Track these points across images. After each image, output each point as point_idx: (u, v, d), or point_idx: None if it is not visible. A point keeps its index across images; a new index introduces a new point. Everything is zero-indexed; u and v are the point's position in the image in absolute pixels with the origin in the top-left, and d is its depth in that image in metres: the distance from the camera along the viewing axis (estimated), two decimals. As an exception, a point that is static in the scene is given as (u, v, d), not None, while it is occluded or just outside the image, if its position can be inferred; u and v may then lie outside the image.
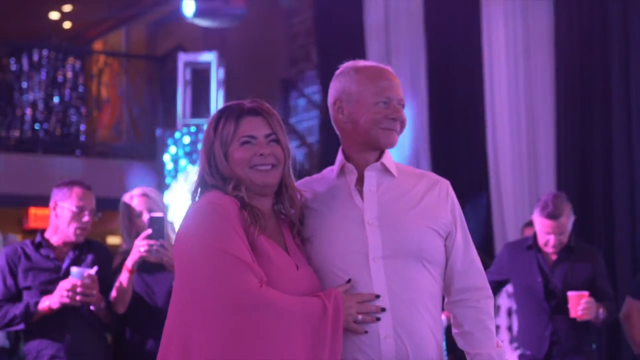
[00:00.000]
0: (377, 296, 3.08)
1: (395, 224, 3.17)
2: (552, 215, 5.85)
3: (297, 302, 2.94)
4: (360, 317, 3.04)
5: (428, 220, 3.19)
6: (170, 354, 2.96)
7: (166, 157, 10.48)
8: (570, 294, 5.74)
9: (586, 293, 5.73)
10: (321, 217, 3.24)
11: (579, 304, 5.67)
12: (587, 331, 6.00)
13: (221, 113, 3.17)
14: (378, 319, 3.06)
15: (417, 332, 3.11)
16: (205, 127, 3.23)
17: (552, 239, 5.87)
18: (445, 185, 3.29)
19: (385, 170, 3.27)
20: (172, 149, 10.46)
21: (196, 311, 2.89)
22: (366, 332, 3.06)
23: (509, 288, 6.92)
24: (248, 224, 3.01)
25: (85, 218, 5.14)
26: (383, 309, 3.07)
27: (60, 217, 5.14)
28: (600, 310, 5.77)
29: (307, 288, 3.04)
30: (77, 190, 5.16)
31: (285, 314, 2.89)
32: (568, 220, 5.91)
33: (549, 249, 5.94)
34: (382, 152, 3.28)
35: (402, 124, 3.26)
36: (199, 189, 3.15)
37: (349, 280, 3.11)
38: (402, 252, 3.14)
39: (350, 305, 3.03)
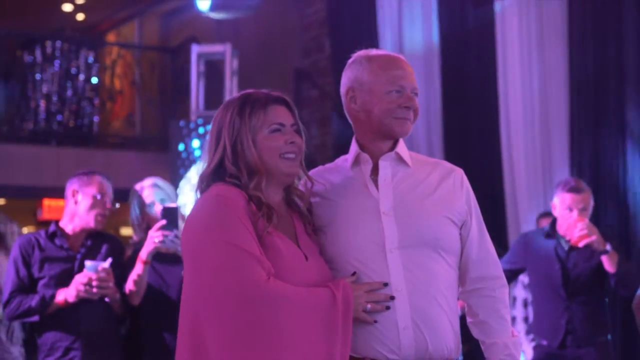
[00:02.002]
0: (386, 284, 3.06)
1: (411, 214, 3.16)
2: (576, 189, 5.85)
3: (306, 293, 2.92)
4: (369, 306, 3.04)
5: (443, 210, 3.19)
6: (183, 347, 2.96)
7: (181, 147, 10.48)
8: (570, 220, 5.73)
9: (585, 219, 5.73)
10: (336, 207, 3.23)
11: (576, 226, 5.67)
12: (602, 321, 5.99)
13: (244, 99, 3.11)
14: (388, 308, 3.05)
15: (436, 322, 3.10)
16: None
17: (574, 215, 5.83)
18: (459, 174, 3.29)
19: (400, 159, 3.26)
20: (187, 140, 10.46)
21: (205, 305, 2.88)
22: (376, 321, 3.05)
23: (525, 279, 6.90)
24: (257, 217, 2.99)
25: (107, 204, 5.17)
26: (392, 297, 3.06)
27: (81, 204, 5.17)
28: (608, 246, 5.73)
29: (317, 279, 3.03)
30: (97, 178, 5.22)
31: (294, 306, 2.87)
32: (590, 198, 5.90)
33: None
34: (396, 141, 3.27)
35: (416, 113, 3.25)
36: (206, 181, 3.11)
37: (354, 273, 3.10)
38: (418, 242, 3.13)
39: (359, 295, 3.02)
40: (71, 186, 5.21)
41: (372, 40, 10.70)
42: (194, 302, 2.93)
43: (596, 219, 7.34)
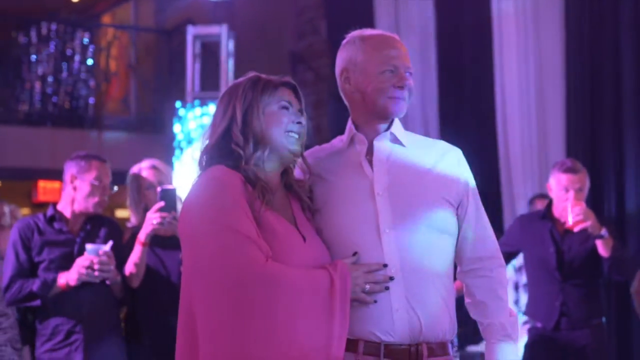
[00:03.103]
0: (385, 265, 3.06)
1: (404, 194, 3.15)
2: (572, 169, 5.86)
3: (303, 275, 2.93)
4: (368, 287, 3.04)
5: (439, 189, 3.18)
6: (181, 330, 2.99)
7: (177, 129, 10.47)
8: (566, 204, 5.74)
9: (582, 203, 5.74)
10: (331, 188, 3.24)
11: (573, 211, 5.68)
12: (596, 304, 6.01)
13: (257, 78, 3.18)
14: (387, 288, 3.06)
15: (430, 303, 3.10)
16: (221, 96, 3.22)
17: (571, 195, 5.85)
18: (456, 153, 3.29)
19: (395, 139, 3.26)
20: (182, 122, 10.46)
21: (202, 287, 2.90)
22: (375, 301, 3.06)
23: (515, 262, 6.92)
24: (253, 198, 3.00)
25: (106, 190, 5.17)
26: (391, 278, 3.06)
27: (80, 190, 5.16)
28: (604, 231, 5.74)
29: (315, 261, 3.04)
30: (95, 163, 5.20)
31: (292, 287, 2.88)
32: (586, 178, 5.91)
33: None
34: (392, 122, 3.27)
35: (410, 92, 3.24)
36: (208, 155, 3.13)
37: (355, 253, 3.10)
38: (412, 223, 3.12)
39: (358, 276, 3.02)
40: (69, 170, 5.20)
41: (368, 22, 10.69)
42: (190, 284, 2.95)
43: (593, 202, 7.36)
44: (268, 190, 3.06)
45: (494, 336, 3.19)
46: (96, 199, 5.15)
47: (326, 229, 3.19)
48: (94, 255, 4.90)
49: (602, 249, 5.77)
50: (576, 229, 5.71)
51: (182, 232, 3.05)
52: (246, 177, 3.04)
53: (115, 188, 5.31)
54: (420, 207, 3.14)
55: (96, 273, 4.89)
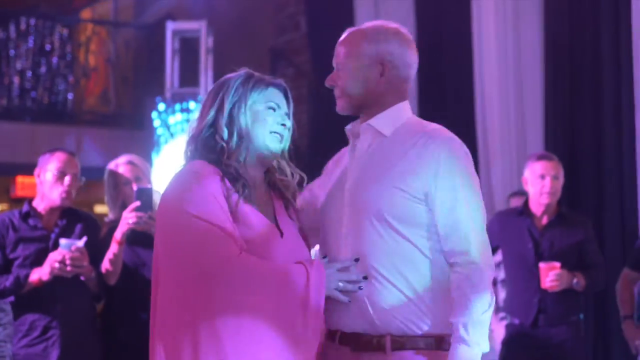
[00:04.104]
0: (357, 259, 3.07)
1: (361, 185, 3.16)
2: (547, 157, 5.96)
3: (277, 268, 2.96)
4: (341, 284, 3.05)
5: (395, 180, 3.11)
6: (153, 323, 3.02)
7: (156, 124, 10.45)
8: (542, 265, 5.81)
9: (557, 264, 5.79)
10: (326, 184, 3.34)
11: (548, 275, 5.72)
12: (574, 300, 6.04)
13: (249, 75, 3.23)
14: (360, 288, 3.05)
15: (381, 295, 3.07)
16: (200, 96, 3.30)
17: (547, 182, 5.89)
18: (438, 144, 3.16)
19: (375, 131, 3.26)
20: (161, 118, 10.43)
21: (174, 280, 2.92)
22: (349, 300, 3.07)
23: (494, 257, 6.94)
24: (230, 192, 3.03)
25: (67, 181, 5.13)
26: (365, 277, 3.05)
27: (44, 183, 5.16)
28: (575, 280, 5.83)
29: (292, 256, 3.07)
30: (58, 154, 5.19)
31: (264, 280, 2.90)
32: (561, 168, 5.97)
33: (544, 199, 5.93)
34: (377, 112, 3.29)
35: (342, 91, 3.34)
36: (193, 144, 3.18)
37: (325, 257, 3.16)
38: (361, 212, 3.12)
39: (330, 274, 3.04)
40: (38, 165, 5.22)
41: (349, 18, 10.70)
42: (162, 277, 2.99)
43: (571, 197, 7.38)
44: (248, 185, 3.09)
45: (453, 336, 3.06)
46: (60, 190, 5.12)
47: (321, 227, 3.27)
48: (66, 251, 4.88)
49: (578, 288, 5.92)
50: (549, 290, 5.78)
51: (158, 224, 3.08)
52: (226, 171, 3.07)
53: (83, 179, 5.29)
54: (368, 197, 3.12)
55: (68, 268, 4.88)
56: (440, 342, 3.10)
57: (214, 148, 3.12)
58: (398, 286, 3.07)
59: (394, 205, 3.09)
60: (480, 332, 3.05)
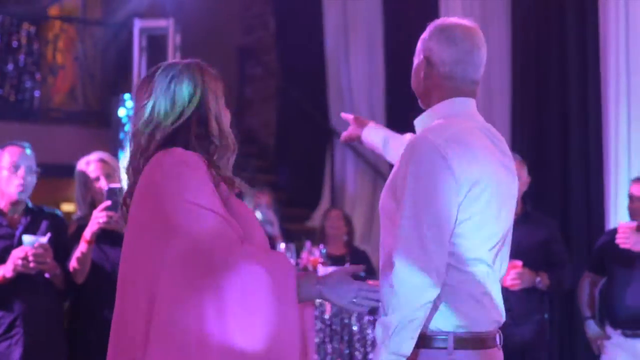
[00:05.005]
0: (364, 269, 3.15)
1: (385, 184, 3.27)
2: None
3: (271, 256, 2.95)
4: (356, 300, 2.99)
5: (389, 183, 3.23)
6: (137, 318, 2.94)
7: (123, 122, 10.44)
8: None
9: (519, 263, 5.81)
10: None
11: (509, 273, 5.75)
12: (538, 300, 6.09)
13: (209, 67, 3.14)
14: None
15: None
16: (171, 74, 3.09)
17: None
18: (411, 145, 3.17)
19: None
20: (130, 115, 10.42)
21: (175, 275, 2.84)
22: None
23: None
24: (217, 181, 2.99)
25: (21, 173, 5.09)
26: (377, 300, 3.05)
27: (1, 179, 5.12)
28: (538, 279, 5.88)
29: (265, 241, 3.11)
30: (10, 148, 5.15)
31: (265, 269, 2.86)
32: (524, 167, 6.00)
33: None
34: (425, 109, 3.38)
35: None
36: (160, 141, 3.03)
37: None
38: (382, 215, 3.25)
39: (350, 290, 2.99)
40: None
41: (316, 17, 10.73)
42: (153, 266, 2.89)
43: (537, 195, 7.44)
44: (233, 179, 3.08)
45: None
46: (16, 183, 5.09)
47: None
48: (29, 247, 4.87)
49: (542, 287, 5.98)
50: (510, 289, 5.81)
51: (140, 215, 2.99)
52: (209, 161, 3.02)
53: (38, 169, 5.23)
54: (382, 198, 3.23)
55: (31, 265, 4.85)
56: (422, 340, 3.11)
57: (197, 144, 3.03)
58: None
59: (387, 207, 3.19)
60: (390, 336, 3.05)
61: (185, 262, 2.82)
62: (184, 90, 3.04)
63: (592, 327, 6.24)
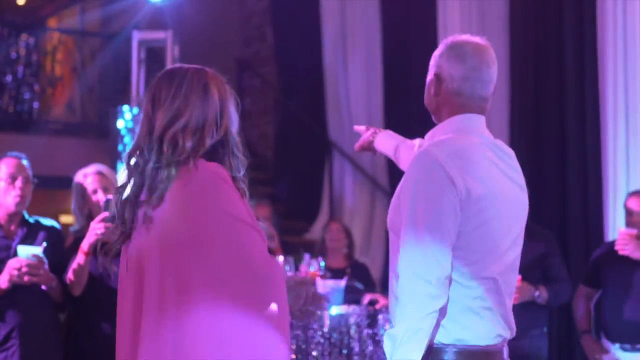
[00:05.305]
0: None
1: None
2: None
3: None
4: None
5: (395, 197, 3.24)
6: (155, 326, 2.98)
7: (122, 133, 10.43)
8: None
9: (518, 277, 5.81)
10: None
11: None
12: (538, 313, 6.07)
13: (214, 74, 3.23)
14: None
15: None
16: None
17: None
18: (412, 159, 3.21)
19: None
20: (128, 126, 10.42)
21: (215, 285, 2.92)
22: None
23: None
24: (239, 192, 3.04)
25: (19, 184, 5.09)
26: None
27: None
28: (537, 293, 5.87)
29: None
30: (6, 160, 5.15)
31: (282, 279, 3.05)
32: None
33: None
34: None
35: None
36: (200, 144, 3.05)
37: None
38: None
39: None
40: None
41: (315, 30, 10.73)
42: (187, 275, 2.94)
43: (535, 208, 7.43)
44: (245, 188, 3.10)
45: None
46: (13, 194, 5.09)
47: None
48: (24, 258, 4.87)
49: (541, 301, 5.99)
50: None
51: (180, 224, 2.98)
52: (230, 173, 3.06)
53: (35, 180, 5.22)
54: (389, 219, 3.26)
55: (25, 277, 4.86)
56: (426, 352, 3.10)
57: (219, 157, 3.08)
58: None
59: (393, 220, 3.22)
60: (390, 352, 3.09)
61: (223, 274, 2.91)
62: (198, 101, 3.09)
63: (588, 342, 6.23)
